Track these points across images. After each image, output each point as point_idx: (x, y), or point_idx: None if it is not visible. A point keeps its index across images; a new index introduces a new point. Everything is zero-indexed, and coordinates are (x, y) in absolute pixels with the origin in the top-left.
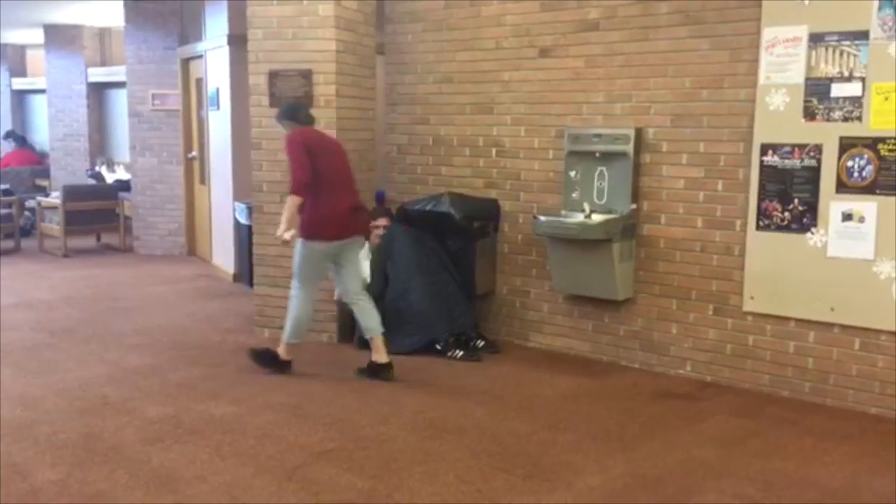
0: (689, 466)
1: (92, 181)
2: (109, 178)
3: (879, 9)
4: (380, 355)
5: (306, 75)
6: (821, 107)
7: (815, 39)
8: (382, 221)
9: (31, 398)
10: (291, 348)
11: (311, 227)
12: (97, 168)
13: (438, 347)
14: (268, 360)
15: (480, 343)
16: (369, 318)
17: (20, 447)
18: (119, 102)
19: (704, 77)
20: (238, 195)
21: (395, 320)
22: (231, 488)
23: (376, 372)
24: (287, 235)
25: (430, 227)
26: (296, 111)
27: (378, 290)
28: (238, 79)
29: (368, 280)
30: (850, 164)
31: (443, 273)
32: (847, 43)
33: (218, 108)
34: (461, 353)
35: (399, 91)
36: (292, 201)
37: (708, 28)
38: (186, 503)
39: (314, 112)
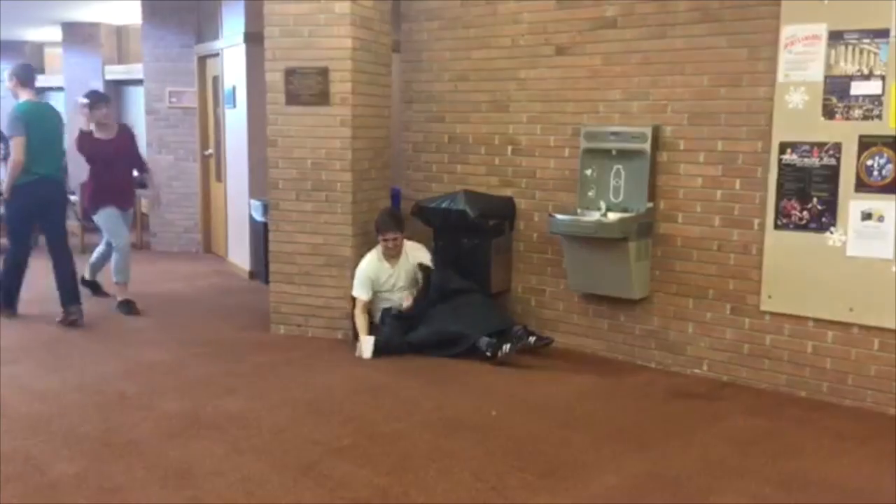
0: (706, 466)
1: None
2: None
3: None
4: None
5: (322, 73)
6: (840, 105)
7: (835, 37)
8: (391, 235)
9: (50, 393)
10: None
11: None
12: None
13: (488, 354)
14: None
15: (532, 339)
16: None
17: (38, 441)
18: (136, 100)
19: (722, 75)
20: (254, 192)
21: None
22: (247, 483)
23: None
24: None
25: (445, 224)
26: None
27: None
28: (254, 76)
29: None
30: (869, 162)
31: (472, 294)
32: (867, 41)
33: (234, 105)
34: (508, 346)
35: (415, 89)
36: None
37: (726, 26)
38: (203, 498)
39: (331, 109)
